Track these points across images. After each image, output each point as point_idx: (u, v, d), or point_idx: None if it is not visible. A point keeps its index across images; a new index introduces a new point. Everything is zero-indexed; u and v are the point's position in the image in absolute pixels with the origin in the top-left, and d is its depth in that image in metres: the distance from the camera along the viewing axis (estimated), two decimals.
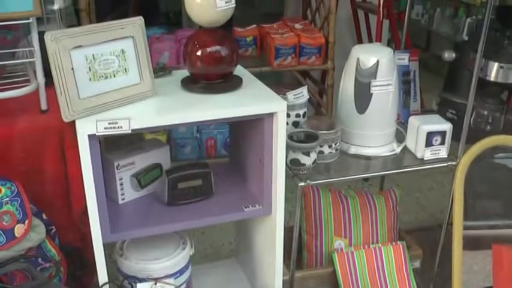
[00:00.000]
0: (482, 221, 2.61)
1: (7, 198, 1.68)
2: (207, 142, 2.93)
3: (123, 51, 1.57)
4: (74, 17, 2.75)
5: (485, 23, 1.98)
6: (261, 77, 2.70)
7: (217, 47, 1.64)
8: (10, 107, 1.77)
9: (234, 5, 1.61)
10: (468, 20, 5.13)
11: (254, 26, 2.98)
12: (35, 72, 1.77)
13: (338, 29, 2.98)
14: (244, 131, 1.83)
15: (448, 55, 2.38)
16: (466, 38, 5.07)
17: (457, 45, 2.49)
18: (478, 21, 4.88)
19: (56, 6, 2.51)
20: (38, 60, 1.75)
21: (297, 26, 3.00)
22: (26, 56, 1.89)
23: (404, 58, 2.39)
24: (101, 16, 3.00)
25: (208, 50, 1.63)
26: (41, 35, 1.80)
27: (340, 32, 3.46)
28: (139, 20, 1.60)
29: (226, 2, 1.58)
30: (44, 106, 1.81)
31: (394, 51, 2.12)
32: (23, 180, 1.74)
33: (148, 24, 4.64)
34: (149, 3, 5.29)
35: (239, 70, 1.82)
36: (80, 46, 1.49)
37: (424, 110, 2.65)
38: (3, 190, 1.68)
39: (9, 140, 1.75)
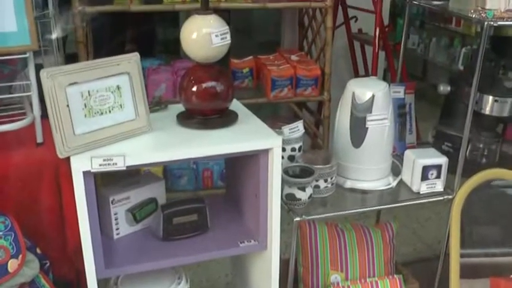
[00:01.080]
0: (480, 248, 2.59)
1: (0, 233, 1.67)
2: (203, 173, 2.92)
3: (118, 87, 1.58)
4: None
5: (479, 59, 2.00)
6: (257, 107, 2.73)
7: (213, 83, 1.64)
8: (6, 138, 1.77)
9: (229, 41, 1.62)
10: (463, 49, 5.19)
11: (250, 57, 2.99)
12: (31, 104, 1.78)
13: (334, 60, 3.00)
14: (240, 165, 1.83)
15: (443, 88, 2.38)
16: (461, 68, 5.12)
17: (452, 79, 2.50)
18: (473, 51, 4.92)
19: (53, 36, 2.53)
20: (34, 94, 1.76)
21: (293, 57, 3.01)
22: (22, 89, 1.90)
23: (399, 91, 2.40)
24: (99, 46, 3.02)
25: (204, 85, 1.64)
26: (38, 67, 1.81)
27: (336, 62, 3.48)
28: (134, 56, 1.60)
29: (222, 39, 1.59)
30: (39, 139, 1.82)
31: (389, 84, 2.13)
32: (18, 213, 1.74)
33: (145, 53, 4.66)
34: (146, 32, 5.33)
35: (235, 104, 1.82)
36: (75, 83, 1.49)
37: (420, 142, 2.65)
38: None
39: (4, 173, 1.75)
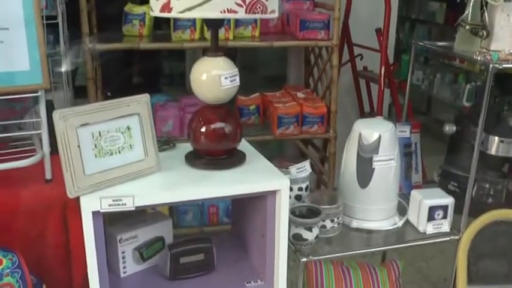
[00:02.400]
0: (487, 284, 2.57)
1: (8, 270, 1.67)
2: (209, 209, 2.93)
3: (128, 128, 1.60)
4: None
5: (485, 100, 2.02)
6: (263, 143, 2.75)
7: (222, 124, 1.66)
8: (15, 174, 1.78)
9: (238, 83, 1.64)
10: (468, 86, 5.22)
11: (257, 94, 3.02)
12: (40, 140, 1.80)
13: (340, 96, 3.02)
14: (246, 205, 1.84)
15: (449, 128, 2.40)
16: (466, 104, 5.14)
17: (458, 118, 2.52)
18: (477, 88, 4.96)
19: (64, 73, 2.57)
20: (44, 131, 1.78)
21: (300, 94, 3.04)
22: (32, 124, 1.92)
23: (405, 130, 2.41)
24: (107, 79, 3.06)
25: (213, 126, 1.66)
26: (47, 103, 1.84)
27: (342, 99, 3.51)
28: (144, 98, 1.63)
29: (231, 81, 1.62)
30: (48, 176, 1.84)
31: (395, 124, 2.15)
32: (25, 249, 1.75)
33: (151, 85, 4.71)
34: (153, 65, 5.40)
35: (242, 144, 1.84)
36: (87, 124, 1.51)
37: (426, 181, 2.66)
38: (4, 261, 1.68)
39: (12, 209, 1.76)
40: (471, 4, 2.22)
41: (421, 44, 2.46)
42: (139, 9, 2.82)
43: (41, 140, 1.81)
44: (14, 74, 1.70)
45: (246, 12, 1.48)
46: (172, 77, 6.22)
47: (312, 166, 2.16)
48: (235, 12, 1.47)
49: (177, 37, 2.68)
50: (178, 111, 2.79)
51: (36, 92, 1.75)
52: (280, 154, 3.81)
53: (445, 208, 2.09)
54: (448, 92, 5.53)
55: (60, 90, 2.73)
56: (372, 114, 3.58)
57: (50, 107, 2.15)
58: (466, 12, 2.23)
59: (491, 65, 1.99)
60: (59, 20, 2.49)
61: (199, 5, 1.45)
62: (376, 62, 3.31)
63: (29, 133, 1.88)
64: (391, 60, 3.70)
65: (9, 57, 1.69)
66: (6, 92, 1.70)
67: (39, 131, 1.79)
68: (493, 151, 2.32)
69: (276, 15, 1.59)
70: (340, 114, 3.04)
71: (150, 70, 5.44)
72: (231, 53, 3.16)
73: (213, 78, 1.60)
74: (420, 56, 5.84)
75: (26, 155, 1.79)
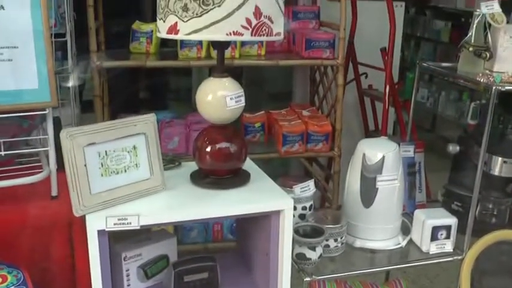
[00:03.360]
0: None
1: (13, 287, 1.68)
2: (213, 226, 2.94)
3: (135, 147, 1.62)
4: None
5: (488, 121, 2.03)
6: (268, 160, 2.77)
7: (227, 144, 1.68)
8: (21, 190, 1.80)
9: (243, 104, 1.66)
10: (472, 104, 5.21)
11: (262, 112, 3.04)
12: (47, 157, 1.82)
13: (345, 114, 3.04)
14: (251, 223, 1.85)
15: (453, 148, 2.42)
16: (471, 122, 5.14)
17: (461, 138, 2.53)
18: (482, 106, 4.96)
19: (71, 90, 2.60)
20: (51, 149, 1.80)
21: (305, 112, 3.06)
22: (40, 142, 1.94)
23: (409, 150, 2.43)
24: (114, 95, 3.09)
25: (218, 146, 1.68)
26: (55, 119, 1.86)
27: (347, 116, 3.52)
28: (151, 117, 1.65)
29: (236, 102, 1.64)
30: (54, 192, 1.85)
31: (399, 144, 2.16)
32: (30, 265, 1.75)
33: (157, 100, 4.73)
34: (159, 81, 5.43)
35: (247, 163, 1.85)
36: (93, 143, 1.53)
37: (430, 200, 2.67)
38: (9, 278, 1.69)
39: (18, 226, 1.78)
40: (474, 26, 2.25)
41: (425, 65, 2.49)
42: (146, 27, 2.85)
43: (47, 156, 1.83)
44: (23, 92, 1.72)
45: (251, 35, 1.51)
46: (179, 92, 6.24)
47: (316, 183, 2.17)
48: (241, 34, 1.49)
49: (183, 55, 2.71)
50: (184, 129, 2.81)
51: (44, 109, 1.77)
52: (284, 171, 3.83)
53: (448, 228, 2.10)
54: (452, 110, 5.55)
55: (67, 106, 2.75)
56: (376, 132, 3.59)
57: (57, 124, 2.18)
58: (470, 34, 2.26)
59: (494, 87, 2.01)
60: (68, 37, 2.52)
61: (206, 27, 1.48)
62: (381, 80, 3.33)
63: (36, 150, 1.91)
64: (395, 79, 3.72)
65: (18, 75, 1.71)
66: (15, 110, 1.72)
67: (46, 148, 1.81)
68: (496, 171, 2.34)
69: (281, 37, 1.62)
70: (345, 132, 3.06)
71: (156, 85, 5.47)
72: (237, 70, 3.19)
73: (219, 98, 1.62)
74: (425, 74, 5.86)
75: (32, 171, 1.81)
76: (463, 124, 5.31)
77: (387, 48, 3.22)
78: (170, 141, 2.78)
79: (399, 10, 3.79)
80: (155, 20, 1.65)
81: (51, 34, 1.81)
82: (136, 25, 2.87)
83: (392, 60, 3.25)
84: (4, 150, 1.74)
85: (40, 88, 1.74)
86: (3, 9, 1.68)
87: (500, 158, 2.31)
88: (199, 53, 2.71)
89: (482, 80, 2.13)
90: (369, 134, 3.68)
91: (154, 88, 5.46)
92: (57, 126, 2.05)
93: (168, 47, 3.02)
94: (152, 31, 2.83)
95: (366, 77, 3.60)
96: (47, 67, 1.74)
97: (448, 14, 5.99)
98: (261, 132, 2.99)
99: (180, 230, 2.90)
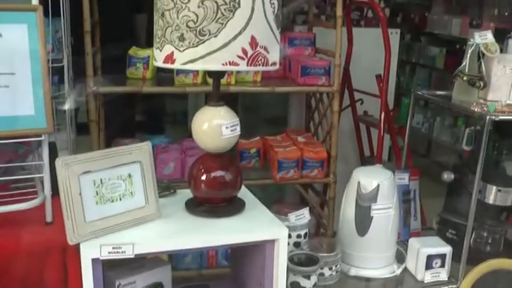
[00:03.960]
0: None
1: None
2: (208, 252, 2.92)
3: (130, 175, 1.62)
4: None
5: (482, 150, 2.04)
6: (263, 186, 2.77)
7: (222, 172, 1.68)
8: (15, 216, 1.79)
9: (239, 133, 1.67)
10: (467, 130, 5.24)
11: (258, 138, 3.04)
12: (42, 183, 1.82)
13: (340, 140, 3.04)
14: (245, 251, 1.84)
15: (447, 176, 2.42)
16: (466, 148, 5.16)
17: (456, 166, 2.54)
18: (476, 132, 4.99)
19: (67, 112, 2.60)
20: (46, 175, 1.80)
21: (300, 138, 3.07)
22: (35, 167, 1.94)
23: (404, 178, 2.44)
24: (110, 118, 3.09)
25: (213, 175, 1.68)
26: (50, 144, 1.86)
27: (342, 142, 3.53)
28: (146, 145, 1.66)
29: (231, 131, 1.65)
30: (49, 218, 1.85)
31: (394, 171, 2.17)
32: None
33: (154, 123, 4.70)
34: (156, 103, 5.44)
35: (242, 191, 1.86)
36: (88, 171, 1.54)
37: (425, 228, 2.67)
38: None
39: (11, 252, 1.77)
40: (468, 56, 2.27)
41: (419, 93, 2.51)
42: (143, 53, 2.87)
43: (42, 182, 1.82)
44: (19, 118, 1.73)
45: (247, 65, 1.52)
46: (175, 115, 6.25)
47: (311, 209, 2.18)
48: (237, 64, 1.51)
49: (179, 81, 2.72)
50: (179, 154, 2.81)
51: (40, 136, 1.77)
52: (279, 196, 3.82)
53: (443, 257, 2.10)
54: (447, 136, 5.57)
55: (63, 131, 2.75)
56: (371, 157, 3.59)
57: (53, 149, 2.18)
58: (464, 64, 2.28)
59: (488, 117, 2.03)
60: (64, 63, 2.53)
61: (202, 57, 1.49)
62: (377, 106, 3.35)
63: (31, 176, 1.91)
64: (391, 105, 3.74)
65: (14, 101, 1.72)
66: (11, 136, 1.72)
67: (41, 175, 1.81)
68: (491, 200, 2.34)
69: (276, 67, 1.63)
70: (341, 157, 3.06)
71: (152, 109, 5.48)
72: (233, 95, 3.20)
73: (214, 127, 1.63)
74: (420, 100, 5.89)
75: (27, 197, 1.80)
76: (458, 150, 5.33)
77: (382, 75, 3.24)
78: (165, 166, 2.77)
79: (394, 37, 3.82)
80: (152, 46, 1.66)
81: (48, 60, 1.82)
82: (133, 51, 2.88)
83: (388, 87, 3.26)
84: None
85: (36, 114, 1.75)
86: (1, 36, 1.70)
87: (494, 187, 2.32)
88: (195, 79, 2.72)
89: (476, 110, 2.15)
90: (364, 159, 3.68)
91: (150, 111, 5.47)
92: (53, 151, 2.05)
93: (164, 72, 3.02)
94: (149, 57, 2.84)
95: (362, 103, 3.62)
96: (44, 93, 1.74)
97: (442, 41, 6.05)
98: (256, 158, 2.98)
99: (174, 255, 2.88)
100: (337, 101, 2.87)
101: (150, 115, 5.53)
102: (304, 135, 3.15)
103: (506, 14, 5.27)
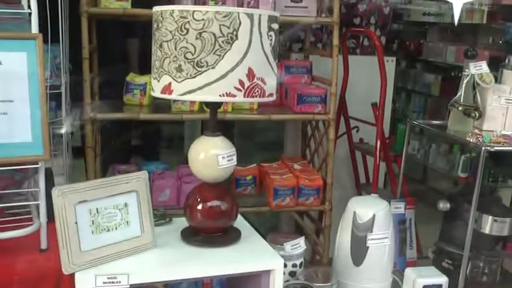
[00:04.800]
0: None
1: None
2: (203, 280, 2.91)
3: (126, 205, 1.62)
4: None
5: (477, 183, 2.05)
6: (259, 214, 2.77)
7: (218, 202, 1.69)
8: (10, 243, 1.78)
9: (235, 163, 1.68)
10: (463, 157, 5.27)
11: (254, 165, 3.05)
12: (37, 208, 1.82)
13: (336, 167, 3.05)
14: (241, 280, 1.83)
15: (443, 205, 2.43)
16: (461, 175, 5.18)
17: (451, 195, 2.55)
18: (472, 159, 5.01)
19: (63, 130, 2.60)
20: (42, 202, 1.80)
21: (296, 166, 3.07)
22: (31, 193, 1.94)
23: (400, 207, 2.44)
24: (106, 142, 3.09)
25: (209, 204, 1.69)
26: (47, 171, 1.86)
27: (338, 169, 3.54)
28: (143, 175, 1.66)
29: (228, 161, 1.65)
30: (43, 245, 1.84)
31: (389, 201, 2.17)
32: None
33: (150, 147, 4.65)
34: (152, 127, 5.45)
35: (238, 219, 1.86)
36: (85, 201, 1.53)
37: (421, 257, 2.67)
38: None
39: (6, 278, 1.76)
40: (463, 86, 2.30)
41: (415, 122, 2.52)
42: (141, 79, 2.88)
43: (38, 208, 1.82)
44: (16, 145, 1.73)
45: (244, 96, 1.53)
46: (171, 140, 6.26)
47: (306, 236, 2.17)
48: (234, 96, 1.52)
49: (176, 108, 2.73)
50: (175, 181, 2.81)
51: (37, 163, 1.77)
52: (275, 222, 3.82)
53: (439, 287, 2.09)
54: (443, 162, 5.57)
55: (59, 156, 2.75)
56: (367, 185, 3.60)
57: (49, 175, 2.18)
58: (459, 94, 2.30)
59: (483, 148, 2.04)
60: (62, 90, 2.54)
61: (199, 88, 1.50)
62: (372, 134, 3.36)
63: (27, 203, 1.90)
64: (387, 133, 3.76)
65: (12, 128, 1.72)
66: (8, 163, 1.73)
67: (37, 202, 1.81)
68: (487, 230, 2.35)
69: (273, 98, 1.64)
70: (336, 184, 3.06)
71: (148, 133, 5.49)
72: (229, 121, 3.21)
73: (211, 157, 1.64)
74: (416, 127, 5.91)
75: (22, 224, 1.80)
76: (454, 176, 5.34)
77: (378, 103, 3.26)
78: (161, 193, 2.77)
79: (390, 65, 3.85)
80: (149, 72, 1.67)
81: (47, 86, 1.83)
82: (131, 77, 2.90)
83: (384, 115, 3.28)
84: None
85: (34, 141, 1.75)
86: (1, 64, 1.71)
87: (490, 217, 2.32)
88: (192, 106, 2.74)
89: (472, 140, 2.16)
90: (360, 186, 3.69)
91: (145, 136, 5.47)
92: (49, 177, 2.05)
93: (161, 98, 3.03)
94: (146, 83, 2.85)
95: (357, 131, 3.63)
96: (42, 121, 1.75)
97: (438, 68, 6.10)
98: (252, 185, 2.99)
99: (169, 283, 2.86)
100: (333, 129, 2.89)
101: (145, 139, 5.53)
102: (300, 163, 3.16)
103: (500, 42, 5.32)
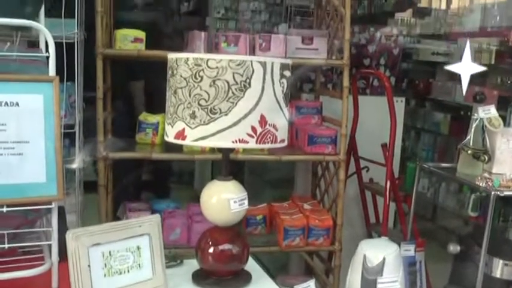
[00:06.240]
0: None
1: None
2: None
3: (138, 248, 1.64)
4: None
5: (487, 227, 2.05)
6: (269, 253, 2.77)
7: (229, 246, 1.70)
8: (21, 283, 1.78)
9: (247, 207, 1.70)
10: (473, 196, 5.25)
11: (264, 204, 3.06)
12: (50, 248, 1.83)
13: (346, 206, 3.06)
14: None
15: (453, 248, 2.43)
16: (472, 214, 5.15)
17: (462, 238, 2.55)
18: (482, 198, 4.99)
19: (75, 166, 2.63)
20: (54, 242, 1.81)
21: (306, 205, 3.08)
22: (43, 232, 1.96)
23: (410, 249, 2.44)
24: (117, 178, 3.12)
25: (220, 248, 1.70)
26: (59, 209, 1.88)
27: (348, 208, 3.54)
28: (156, 218, 1.68)
29: (240, 205, 1.67)
30: (55, 285, 1.85)
31: (400, 244, 2.18)
32: None
33: (160, 185, 4.66)
34: (162, 166, 5.48)
35: (249, 262, 1.87)
36: (98, 243, 1.55)
37: None
38: None
39: None
40: (472, 130, 2.32)
41: (425, 166, 2.54)
42: (153, 119, 2.92)
43: (50, 247, 1.84)
44: (30, 186, 1.75)
45: (256, 143, 1.56)
46: (182, 175, 6.29)
47: (316, 277, 2.17)
48: (247, 142, 1.55)
49: (188, 148, 2.76)
50: (186, 220, 2.83)
51: (50, 203, 1.79)
52: (285, 262, 3.81)
53: None
54: (453, 201, 5.54)
55: (71, 195, 2.78)
56: (377, 224, 3.59)
57: (62, 213, 2.20)
58: (468, 137, 2.32)
59: (493, 193, 2.05)
60: (76, 129, 2.59)
61: (212, 134, 1.53)
62: (382, 174, 3.37)
63: (39, 243, 1.92)
64: (396, 173, 3.76)
65: (27, 169, 1.74)
66: (21, 203, 1.74)
67: (49, 242, 1.83)
68: (497, 274, 2.34)
69: (285, 144, 1.67)
70: (346, 223, 3.07)
71: (159, 169, 5.51)
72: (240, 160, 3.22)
73: (223, 201, 1.66)
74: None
75: (34, 263, 1.81)
76: (464, 215, 5.32)
77: (388, 144, 3.27)
78: (172, 232, 2.79)
79: (400, 105, 3.87)
80: (162, 112, 1.69)
81: (61, 125, 1.86)
82: (143, 116, 2.94)
83: (393, 155, 3.29)
84: (8, 241, 1.76)
85: (48, 182, 1.77)
86: (18, 105, 1.74)
87: (501, 261, 2.32)
88: (203, 146, 2.77)
89: (481, 184, 2.17)
90: (370, 226, 3.68)
91: (156, 171, 5.50)
92: (62, 215, 2.07)
93: None
94: (158, 123, 2.89)
95: (367, 170, 3.64)
96: (56, 162, 1.77)
97: (447, 107, 6.12)
98: (263, 224, 3.00)
99: None
100: (343, 170, 2.90)
101: (156, 175, 5.55)
102: (310, 202, 3.17)
103: (509, 82, 5.35)
